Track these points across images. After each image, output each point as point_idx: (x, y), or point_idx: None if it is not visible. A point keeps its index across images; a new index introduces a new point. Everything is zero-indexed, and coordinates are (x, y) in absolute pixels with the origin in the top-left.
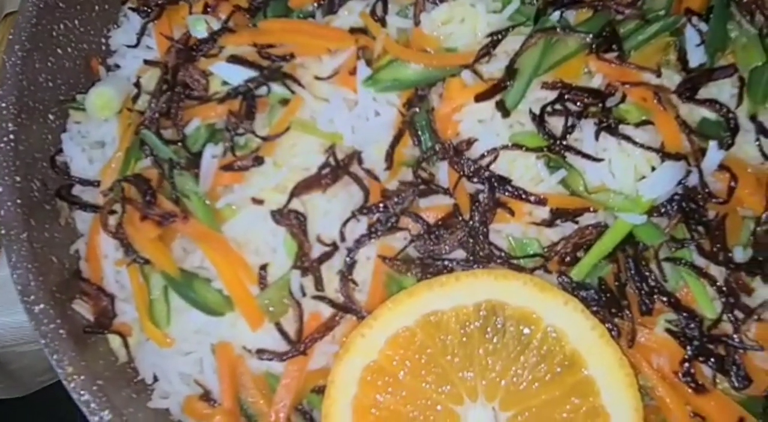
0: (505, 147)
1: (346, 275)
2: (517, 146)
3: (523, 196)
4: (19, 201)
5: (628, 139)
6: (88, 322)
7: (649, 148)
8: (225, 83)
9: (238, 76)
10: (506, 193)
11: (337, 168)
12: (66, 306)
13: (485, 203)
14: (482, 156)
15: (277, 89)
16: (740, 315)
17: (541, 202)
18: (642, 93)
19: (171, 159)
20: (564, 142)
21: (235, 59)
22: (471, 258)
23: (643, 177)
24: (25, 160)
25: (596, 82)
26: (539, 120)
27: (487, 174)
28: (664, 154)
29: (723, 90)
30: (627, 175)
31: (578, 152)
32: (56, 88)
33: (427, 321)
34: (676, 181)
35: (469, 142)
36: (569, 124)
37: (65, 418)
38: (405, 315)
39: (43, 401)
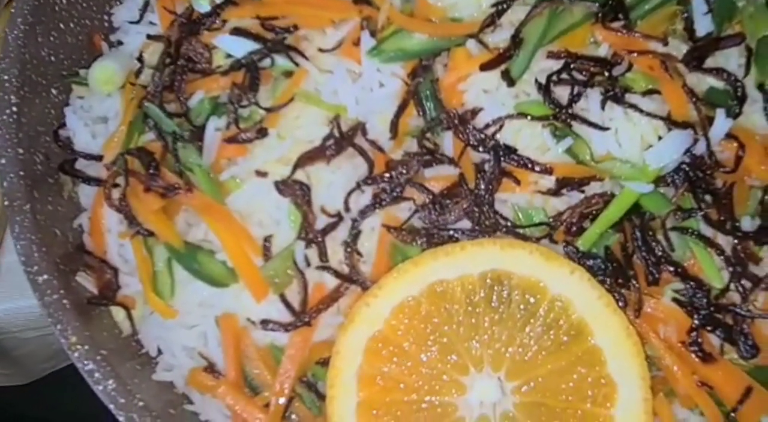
0: (510, 116)
1: (351, 245)
2: (522, 115)
3: (529, 165)
4: (22, 173)
5: (634, 107)
6: (92, 294)
7: (655, 117)
8: (228, 56)
9: (242, 48)
10: (512, 163)
11: (341, 139)
12: (69, 278)
13: (491, 172)
14: (487, 125)
15: (281, 61)
16: (748, 284)
17: (546, 170)
18: (648, 62)
19: (174, 132)
20: (570, 111)
21: (238, 32)
22: (476, 228)
23: (650, 146)
24: (28, 133)
25: (602, 51)
26: (545, 89)
27: (492, 143)
28: (671, 123)
29: (730, 59)
30: (633, 144)
31: (584, 121)
32: (59, 63)
33: (433, 290)
34: (683, 150)
35: (474, 112)
36: (575, 92)
37: (68, 406)
38: (410, 285)
39: (46, 388)
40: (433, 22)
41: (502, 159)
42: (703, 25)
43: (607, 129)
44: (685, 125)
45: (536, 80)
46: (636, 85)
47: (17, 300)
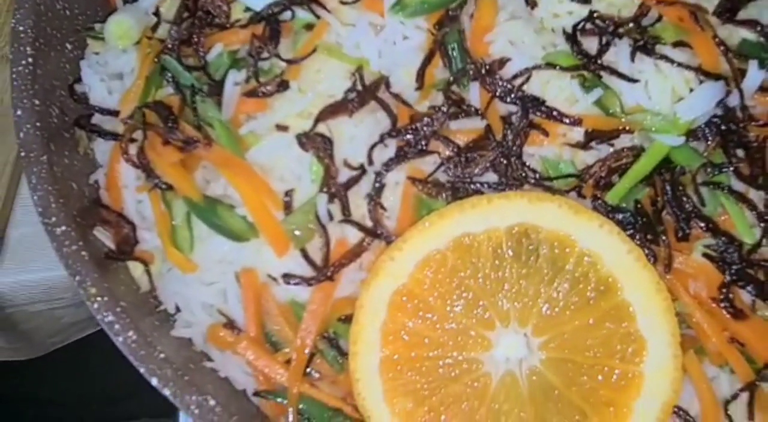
0: (537, 67)
1: (375, 199)
2: (550, 65)
3: (557, 117)
4: (38, 124)
5: (665, 58)
6: (110, 249)
7: (687, 67)
8: (247, 10)
9: (261, 1)
10: (540, 114)
11: (364, 92)
12: (87, 232)
13: (518, 124)
14: (515, 76)
15: (302, 14)
16: None
17: (576, 122)
18: (678, 12)
19: (193, 85)
20: (599, 61)
21: None
22: (503, 180)
23: (681, 98)
24: (44, 86)
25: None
26: (573, 38)
27: (520, 94)
28: (703, 74)
29: (764, 12)
30: (664, 96)
31: (614, 72)
32: (73, 17)
33: (459, 243)
34: (715, 102)
35: (502, 62)
36: (603, 42)
37: (76, 381)
38: (436, 238)
39: (54, 364)
40: None
41: (529, 110)
42: None
43: (636, 81)
44: (717, 76)
45: (564, 30)
46: (666, 35)
47: (26, 273)
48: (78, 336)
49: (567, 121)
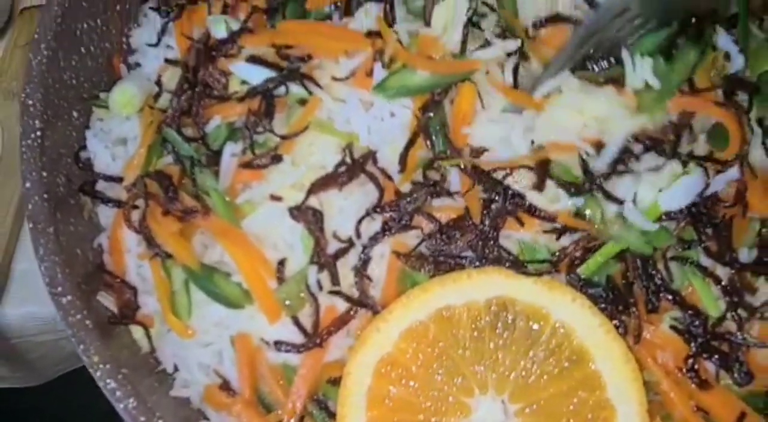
0: (524, 166)
1: (361, 271)
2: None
3: (536, 213)
4: (45, 195)
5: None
6: (113, 314)
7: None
8: (244, 82)
9: (258, 75)
10: (519, 209)
11: (353, 167)
12: (91, 298)
13: (496, 212)
14: (496, 169)
15: (296, 89)
16: (744, 313)
17: (551, 219)
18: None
19: (192, 156)
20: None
21: (254, 59)
22: (482, 259)
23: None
24: (51, 156)
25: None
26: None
27: (502, 188)
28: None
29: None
30: (648, 196)
31: (606, 195)
32: (79, 85)
33: (440, 315)
34: (698, 193)
35: (479, 152)
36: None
37: (82, 405)
38: (419, 310)
39: (59, 389)
40: (434, 60)
41: (508, 205)
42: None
43: (622, 202)
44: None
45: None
46: None
47: (32, 305)
48: (81, 364)
49: (545, 216)
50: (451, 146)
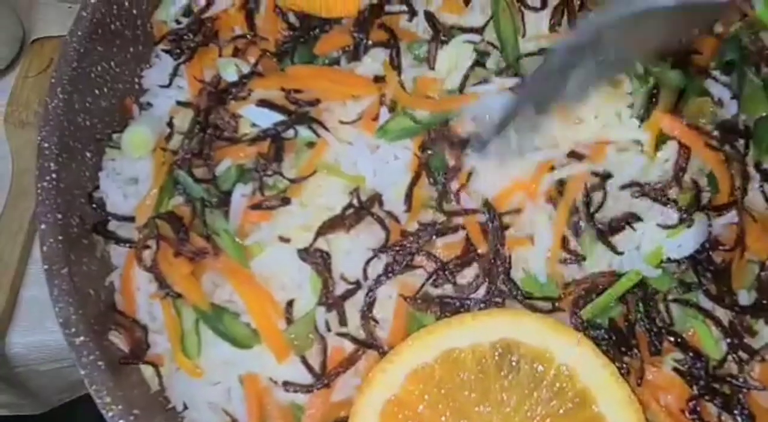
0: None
1: (367, 314)
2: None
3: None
4: (60, 237)
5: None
6: (124, 353)
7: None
8: (254, 125)
9: (267, 119)
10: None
11: (360, 209)
12: (103, 338)
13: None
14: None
15: (304, 132)
16: (744, 355)
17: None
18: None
19: (203, 198)
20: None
21: (264, 103)
22: (487, 297)
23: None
24: (66, 198)
25: None
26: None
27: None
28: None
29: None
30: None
31: (612, 249)
32: (93, 126)
33: (446, 357)
34: (703, 240)
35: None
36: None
37: None
38: (425, 352)
39: (61, 417)
40: (432, 99)
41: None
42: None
43: (622, 254)
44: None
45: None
46: None
47: (38, 334)
48: (85, 391)
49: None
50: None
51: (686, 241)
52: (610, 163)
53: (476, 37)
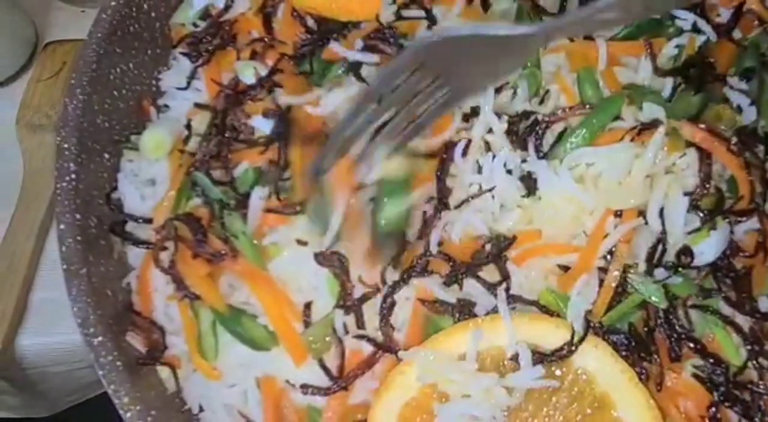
0: None
1: (385, 318)
2: None
3: None
4: (79, 237)
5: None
6: (141, 354)
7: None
8: None
9: (267, 125)
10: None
11: None
12: (120, 339)
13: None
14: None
15: None
16: (765, 362)
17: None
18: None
19: (221, 199)
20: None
21: (271, 112)
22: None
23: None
24: (84, 198)
25: None
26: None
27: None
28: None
29: None
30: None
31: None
32: (111, 128)
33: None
34: (725, 246)
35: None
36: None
37: None
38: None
39: (69, 420)
40: None
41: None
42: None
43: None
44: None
45: None
46: None
47: (49, 336)
48: (94, 394)
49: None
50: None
51: (708, 248)
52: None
53: None
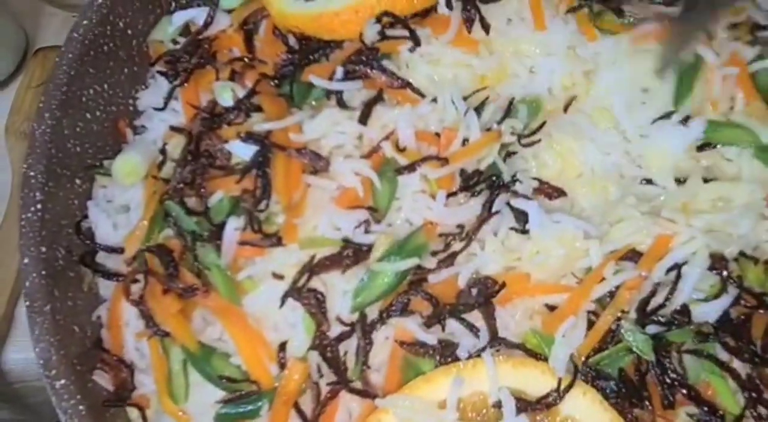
0: None
1: (362, 360)
2: None
3: None
4: (44, 272)
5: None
6: (108, 394)
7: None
8: None
9: (247, 151)
10: None
11: (359, 251)
12: (86, 379)
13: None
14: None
15: None
16: (764, 411)
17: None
18: None
19: (194, 231)
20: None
21: (249, 136)
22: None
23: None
24: (51, 229)
25: None
26: None
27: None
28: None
29: None
30: None
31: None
32: (84, 152)
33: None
34: (729, 304)
35: None
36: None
37: None
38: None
39: None
40: None
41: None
42: None
43: None
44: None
45: None
46: None
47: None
48: None
49: None
50: None
51: (713, 308)
52: None
53: None
